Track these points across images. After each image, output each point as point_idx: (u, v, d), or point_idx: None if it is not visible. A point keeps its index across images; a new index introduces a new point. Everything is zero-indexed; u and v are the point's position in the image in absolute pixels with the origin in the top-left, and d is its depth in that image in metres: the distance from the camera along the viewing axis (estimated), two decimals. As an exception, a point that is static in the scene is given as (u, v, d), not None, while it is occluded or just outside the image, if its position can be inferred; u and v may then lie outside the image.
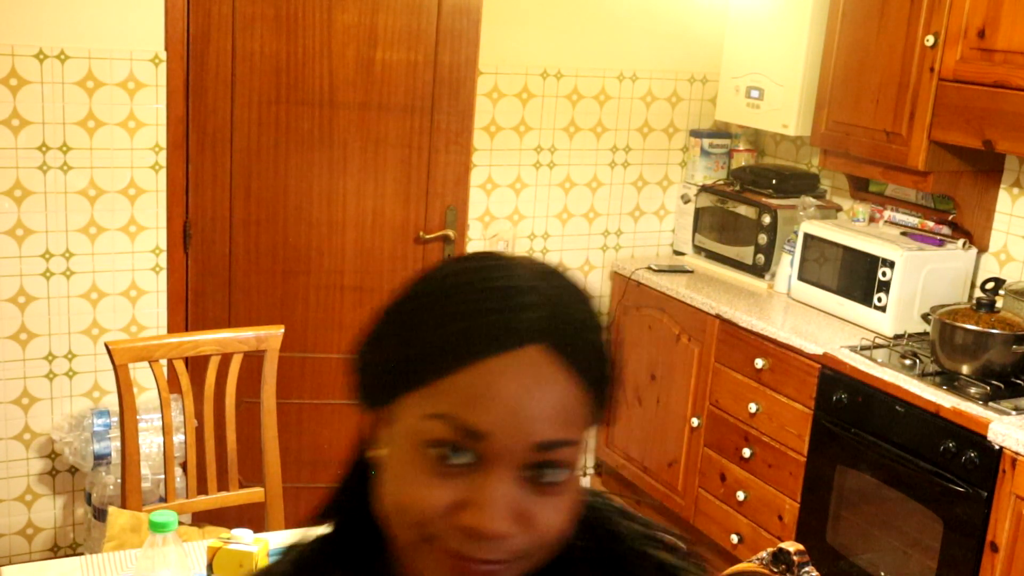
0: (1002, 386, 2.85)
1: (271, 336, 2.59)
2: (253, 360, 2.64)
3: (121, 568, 1.91)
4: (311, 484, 3.40)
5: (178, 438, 3.07)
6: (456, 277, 0.84)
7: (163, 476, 2.85)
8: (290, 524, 2.61)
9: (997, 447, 2.66)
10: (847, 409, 3.10)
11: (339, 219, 3.37)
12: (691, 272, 4.06)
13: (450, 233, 3.45)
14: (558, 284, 0.84)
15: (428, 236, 3.44)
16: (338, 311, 3.43)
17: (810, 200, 3.82)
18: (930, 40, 3.10)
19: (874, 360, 3.07)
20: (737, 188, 4.02)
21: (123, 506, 2.45)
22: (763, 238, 3.84)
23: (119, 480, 3.05)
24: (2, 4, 2.90)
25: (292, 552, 0.94)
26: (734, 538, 3.58)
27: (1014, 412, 2.73)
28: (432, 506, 0.78)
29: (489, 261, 0.86)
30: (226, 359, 2.57)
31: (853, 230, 3.53)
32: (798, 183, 3.92)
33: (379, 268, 3.44)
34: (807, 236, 3.60)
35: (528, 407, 0.78)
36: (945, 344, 2.97)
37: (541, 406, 0.78)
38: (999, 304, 3.00)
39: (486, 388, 0.78)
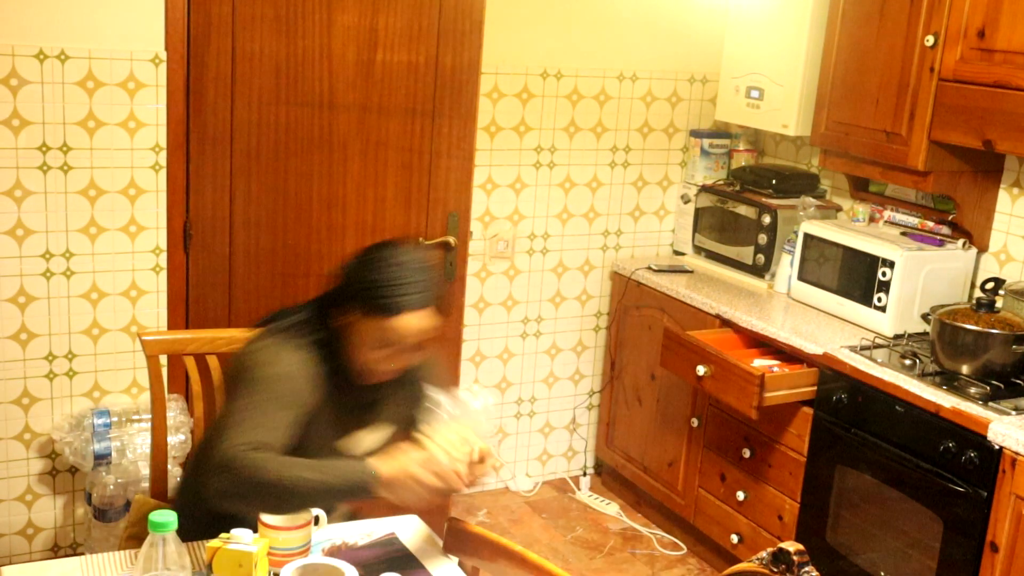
0: (1002, 386, 2.85)
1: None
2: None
3: (121, 568, 1.91)
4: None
5: (179, 438, 3.07)
6: (403, 255, 1.99)
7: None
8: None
9: (997, 447, 2.66)
10: (847, 409, 3.10)
11: (339, 223, 3.37)
12: (691, 272, 4.06)
13: (451, 240, 3.41)
14: (431, 261, 2.00)
15: (428, 242, 3.41)
16: (338, 312, 3.43)
17: (810, 200, 3.82)
18: (930, 40, 3.11)
19: (874, 360, 3.07)
20: (737, 188, 4.02)
21: (150, 495, 2.46)
22: (763, 238, 3.84)
23: (119, 480, 3.05)
24: (2, 4, 2.90)
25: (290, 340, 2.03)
26: (734, 538, 3.58)
27: (1014, 412, 2.73)
28: (375, 358, 2.01)
29: (410, 248, 2.02)
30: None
31: (853, 230, 3.53)
32: (798, 183, 3.92)
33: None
34: (807, 236, 3.61)
35: (424, 334, 1.99)
36: (945, 344, 2.97)
37: (428, 331, 1.99)
38: (999, 304, 3.00)
39: (414, 324, 1.97)
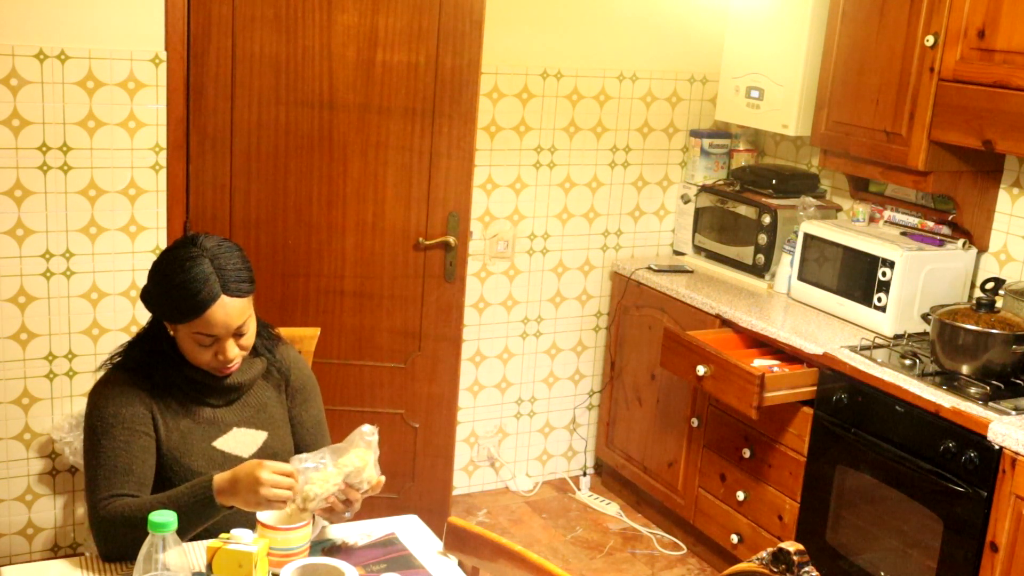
0: (1002, 386, 2.85)
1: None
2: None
3: (121, 568, 1.91)
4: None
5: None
6: (172, 262, 1.99)
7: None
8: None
9: (997, 447, 2.66)
10: (847, 409, 3.10)
11: (339, 223, 3.36)
12: (691, 272, 4.06)
13: (451, 240, 3.40)
14: (211, 248, 1.99)
15: (428, 242, 3.40)
16: (338, 316, 3.42)
17: (810, 200, 3.82)
18: (930, 40, 3.11)
19: (874, 360, 3.07)
20: (737, 188, 4.02)
21: None
22: (763, 238, 3.84)
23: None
24: (2, 4, 2.91)
25: (123, 355, 2.09)
26: (734, 538, 3.58)
27: (1014, 412, 2.73)
28: (204, 358, 2.03)
29: (180, 247, 2.01)
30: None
31: (853, 230, 3.53)
32: (798, 183, 3.92)
33: (379, 273, 3.42)
34: (807, 236, 3.61)
35: (229, 322, 1.99)
36: (945, 344, 2.97)
37: (234, 317, 1.99)
38: (999, 304, 3.00)
39: (213, 319, 1.96)
